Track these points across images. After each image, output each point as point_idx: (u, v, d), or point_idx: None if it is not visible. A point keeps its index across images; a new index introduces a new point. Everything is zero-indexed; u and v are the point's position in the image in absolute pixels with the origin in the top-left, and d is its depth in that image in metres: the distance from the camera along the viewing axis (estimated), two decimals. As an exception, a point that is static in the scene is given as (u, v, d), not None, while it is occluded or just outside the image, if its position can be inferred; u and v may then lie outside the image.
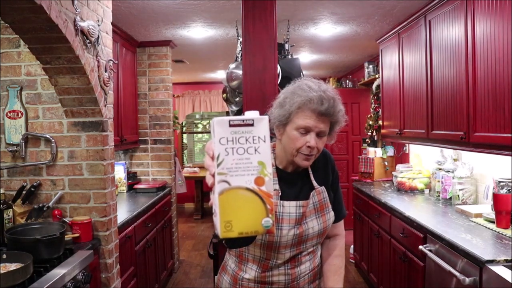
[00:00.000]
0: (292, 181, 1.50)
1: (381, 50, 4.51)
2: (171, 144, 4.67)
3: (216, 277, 1.74)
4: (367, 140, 5.52)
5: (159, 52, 4.58)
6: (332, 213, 1.54)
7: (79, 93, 2.34)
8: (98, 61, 2.42)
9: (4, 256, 1.92)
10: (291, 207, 1.45)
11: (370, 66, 5.69)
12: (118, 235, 2.74)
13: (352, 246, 4.78)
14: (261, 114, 0.82)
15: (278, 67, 2.89)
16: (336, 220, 1.61)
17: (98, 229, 2.48)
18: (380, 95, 4.75)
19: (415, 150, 4.47)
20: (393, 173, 4.14)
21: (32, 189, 2.41)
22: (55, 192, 2.47)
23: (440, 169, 3.57)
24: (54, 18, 1.89)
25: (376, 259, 3.78)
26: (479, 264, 2.03)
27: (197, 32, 4.13)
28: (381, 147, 4.93)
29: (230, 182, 0.77)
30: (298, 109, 1.37)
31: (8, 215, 2.31)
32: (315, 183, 1.51)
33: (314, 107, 1.35)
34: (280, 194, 1.45)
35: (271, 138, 1.34)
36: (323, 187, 1.52)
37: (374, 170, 4.67)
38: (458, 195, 3.19)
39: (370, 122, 5.34)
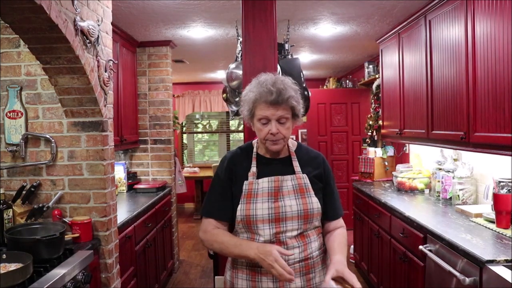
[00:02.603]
0: (271, 165, 1.68)
1: (381, 50, 4.51)
2: (171, 144, 4.67)
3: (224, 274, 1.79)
4: (367, 140, 5.52)
5: (159, 52, 4.58)
6: (315, 200, 1.65)
7: (79, 93, 2.34)
8: (98, 61, 2.42)
9: (4, 256, 1.92)
10: (264, 183, 1.64)
11: (370, 66, 5.69)
12: (118, 235, 2.74)
13: (352, 246, 4.78)
14: None
15: (278, 67, 2.89)
16: (333, 218, 1.74)
17: (98, 229, 2.48)
18: (380, 95, 4.75)
19: (415, 150, 4.47)
20: (393, 173, 4.14)
21: (32, 189, 2.41)
22: (55, 192, 2.47)
23: (440, 169, 3.57)
24: (54, 18, 1.89)
25: (376, 259, 3.78)
26: (479, 264, 2.03)
27: (197, 32, 4.13)
28: (381, 147, 4.93)
29: None
30: (254, 103, 1.60)
31: (8, 215, 2.31)
32: (297, 169, 1.68)
33: (264, 99, 1.57)
34: (256, 175, 1.66)
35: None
36: (305, 175, 1.67)
37: (374, 170, 4.67)
38: (458, 195, 3.19)
39: (370, 122, 5.34)
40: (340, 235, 1.71)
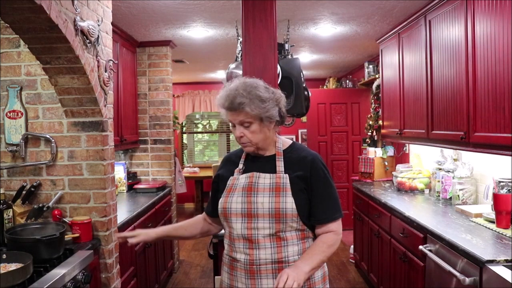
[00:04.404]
0: (257, 163, 1.74)
1: (381, 50, 4.51)
2: (171, 144, 4.67)
3: None
4: (367, 140, 5.52)
5: (159, 52, 4.58)
6: (290, 200, 1.63)
7: (79, 93, 2.34)
8: (98, 61, 2.42)
9: (4, 256, 1.92)
10: (241, 178, 1.72)
11: (370, 66, 5.69)
12: (118, 235, 2.74)
13: (352, 246, 4.77)
14: None
15: (278, 67, 2.89)
16: (320, 221, 1.67)
17: (98, 229, 2.48)
18: (380, 95, 4.75)
19: (415, 150, 4.47)
20: (393, 173, 4.14)
21: (32, 189, 2.41)
22: (55, 192, 2.47)
23: (440, 169, 3.57)
24: (54, 18, 1.89)
25: (376, 259, 3.78)
26: (479, 264, 2.03)
27: (197, 32, 4.13)
28: (381, 147, 4.93)
29: None
30: (221, 109, 1.70)
31: (8, 215, 2.31)
32: (279, 169, 1.69)
33: (222, 106, 1.67)
34: (241, 171, 1.75)
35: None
36: (286, 175, 1.67)
37: (374, 170, 4.67)
38: (458, 195, 3.19)
39: (370, 122, 5.34)
40: (321, 241, 1.66)
